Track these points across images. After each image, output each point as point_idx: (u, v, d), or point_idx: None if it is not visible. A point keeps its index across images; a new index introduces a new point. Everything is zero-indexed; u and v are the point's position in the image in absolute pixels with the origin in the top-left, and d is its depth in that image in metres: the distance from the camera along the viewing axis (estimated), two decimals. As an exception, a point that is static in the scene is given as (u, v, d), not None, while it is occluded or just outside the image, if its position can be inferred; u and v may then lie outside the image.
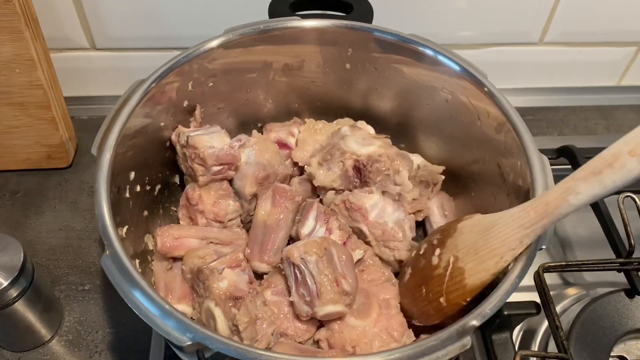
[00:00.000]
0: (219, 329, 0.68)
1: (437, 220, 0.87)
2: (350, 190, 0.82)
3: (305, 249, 0.69)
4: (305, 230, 0.77)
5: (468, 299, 0.66)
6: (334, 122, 0.95)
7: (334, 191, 0.84)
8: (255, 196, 0.84)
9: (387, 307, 0.73)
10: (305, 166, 0.87)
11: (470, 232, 0.67)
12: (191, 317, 0.70)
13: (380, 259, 0.81)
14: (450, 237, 0.69)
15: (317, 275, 0.69)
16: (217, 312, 0.68)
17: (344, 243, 0.77)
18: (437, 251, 0.70)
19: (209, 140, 0.81)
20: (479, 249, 0.65)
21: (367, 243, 0.81)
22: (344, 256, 0.71)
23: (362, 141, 0.83)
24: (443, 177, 0.88)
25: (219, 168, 0.81)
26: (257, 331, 0.67)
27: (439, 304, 0.69)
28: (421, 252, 0.75)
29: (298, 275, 0.70)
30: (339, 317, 0.71)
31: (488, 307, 0.58)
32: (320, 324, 0.74)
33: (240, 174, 0.83)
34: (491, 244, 0.64)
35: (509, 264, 0.62)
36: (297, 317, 0.73)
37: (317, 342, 0.74)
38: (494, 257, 0.63)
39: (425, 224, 0.90)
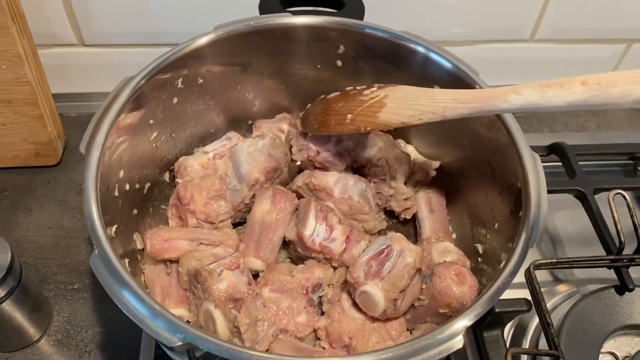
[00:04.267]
0: (218, 331, 0.67)
1: (424, 215, 0.87)
2: None
3: (411, 248, 0.71)
4: (307, 231, 0.77)
5: (368, 129, 0.73)
6: None
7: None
8: (256, 184, 0.83)
9: None
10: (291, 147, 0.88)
11: (413, 87, 0.73)
12: (187, 320, 0.70)
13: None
14: (393, 85, 0.74)
15: (399, 271, 0.69)
16: (217, 314, 0.68)
17: (347, 237, 0.77)
18: (374, 88, 0.75)
19: None
20: (408, 98, 0.71)
21: None
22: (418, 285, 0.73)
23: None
24: (435, 173, 0.88)
25: None
26: (257, 333, 0.67)
27: (343, 117, 0.75)
28: (358, 88, 0.78)
29: (384, 254, 0.71)
30: (341, 308, 0.73)
31: (481, 306, 0.58)
32: (322, 314, 0.75)
33: (250, 158, 0.83)
34: (421, 100, 0.69)
35: (421, 123, 0.69)
36: (297, 312, 0.73)
37: (316, 332, 0.74)
38: (414, 110, 0.69)
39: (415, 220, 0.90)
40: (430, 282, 0.72)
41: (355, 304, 0.72)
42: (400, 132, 0.93)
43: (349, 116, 0.74)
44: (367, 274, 0.70)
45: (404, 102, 0.70)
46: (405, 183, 0.85)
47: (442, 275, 0.71)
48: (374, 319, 0.72)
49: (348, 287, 0.73)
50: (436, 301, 0.71)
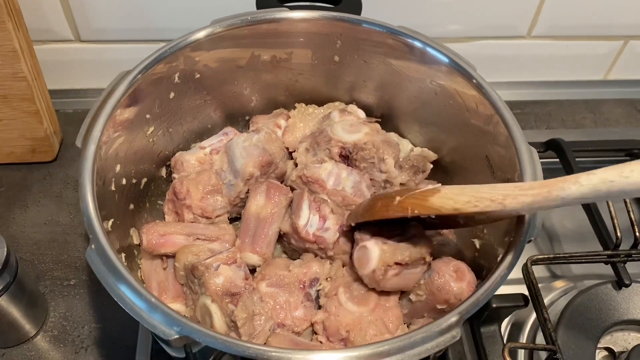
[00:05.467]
0: (215, 326, 0.67)
1: None
2: None
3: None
4: (301, 221, 0.76)
5: (416, 212, 0.65)
6: (325, 106, 0.95)
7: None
8: (251, 179, 0.83)
9: (386, 299, 0.73)
10: (293, 152, 0.88)
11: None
12: (184, 315, 0.70)
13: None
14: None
15: (404, 245, 0.71)
16: (214, 309, 0.67)
17: (340, 226, 0.77)
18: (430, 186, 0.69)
19: None
20: (466, 187, 0.64)
21: None
22: None
23: (349, 128, 0.84)
24: (432, 165, 0.88)
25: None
26: (254, 327, 0.67)
27: (390, 200, 0.69)
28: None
29: (397, 232, 0.72)
30: (338, 302, 0.73)
31: (477, 299, 0.58)
32: (319, 308, 0.75)
33: (245, 153, 0.82)
34: (480, 188, 0.62)
35: (476, 211, 0.60)
36: (294, 307, 0.74)
37: (313, 326, 0.74)
38: (471, 197, 0.61)
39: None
40: (428, 278, 0.72)
41: (351, 298, 0.72)
42: (393, 126, 0.94)
43: (397, 199, 0.68)
44: (373, 236, 0.71)
45: (461, 190, 0.64)
46: (399, 167, 0.85)
47: (440, 271, 0.71)
48: (371, 312, 0.71)
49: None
50: (434, 297, 0.71)
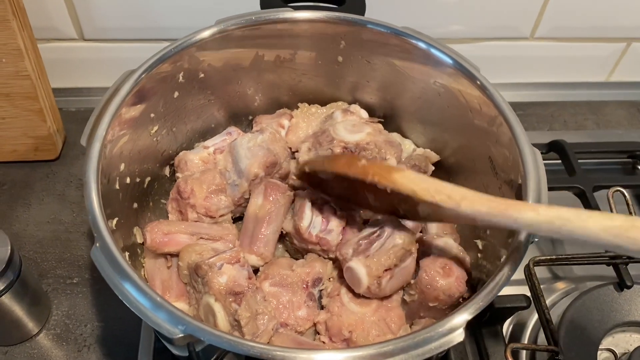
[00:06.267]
0: (219, 325, 0.67)
1: None
2: None
3: (401, 230, 0.72)
4: (304, 223, 0.77)
5: (375, 179, 0.66)
6: (327, 105, 0.95)
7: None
8: (255, 179, 0.83)
9: (388, 300, 0.74)
10: (296, 152, 0.88)
11: None
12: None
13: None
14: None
15: (385, 250, 0.70)
16: (217, 308, 0.68)
17: (343, 229, 0.77)
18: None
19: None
20: (429, 177, 0.67)
21: None
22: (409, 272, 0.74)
23: (351, 128, 0.84)
24: (433, 167, 0.88)
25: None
26: (258, 326, 0.67)
27: (355, 160, 0.70)
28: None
29: (375, 234, 0.72)
30: (341, 302, 0.73)
31: (481, 300, 0.58)
32: (321, 308, 0.75)
33: (249, 153, 0.82)
34: (443, 183, 0.64)
35: (433, 202, 0.62)
36: (297, 307, 0.74)
37: (316, 326, 0.74)
38: (431, 185, 0.63)
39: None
40: (417, 277, 0.72)
41: (354, 298, 0.73)
42: (396, 126, 0.94)
43: (363, 161, 0.69)
44: (355, 251, 0.71)
45: (425, 178, 0.66)
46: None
47: (427, 269, 0.71)
48: (373, 313, 0.72)
49: (339, 263, 0.74)
50: (424, 295, 0.71)
